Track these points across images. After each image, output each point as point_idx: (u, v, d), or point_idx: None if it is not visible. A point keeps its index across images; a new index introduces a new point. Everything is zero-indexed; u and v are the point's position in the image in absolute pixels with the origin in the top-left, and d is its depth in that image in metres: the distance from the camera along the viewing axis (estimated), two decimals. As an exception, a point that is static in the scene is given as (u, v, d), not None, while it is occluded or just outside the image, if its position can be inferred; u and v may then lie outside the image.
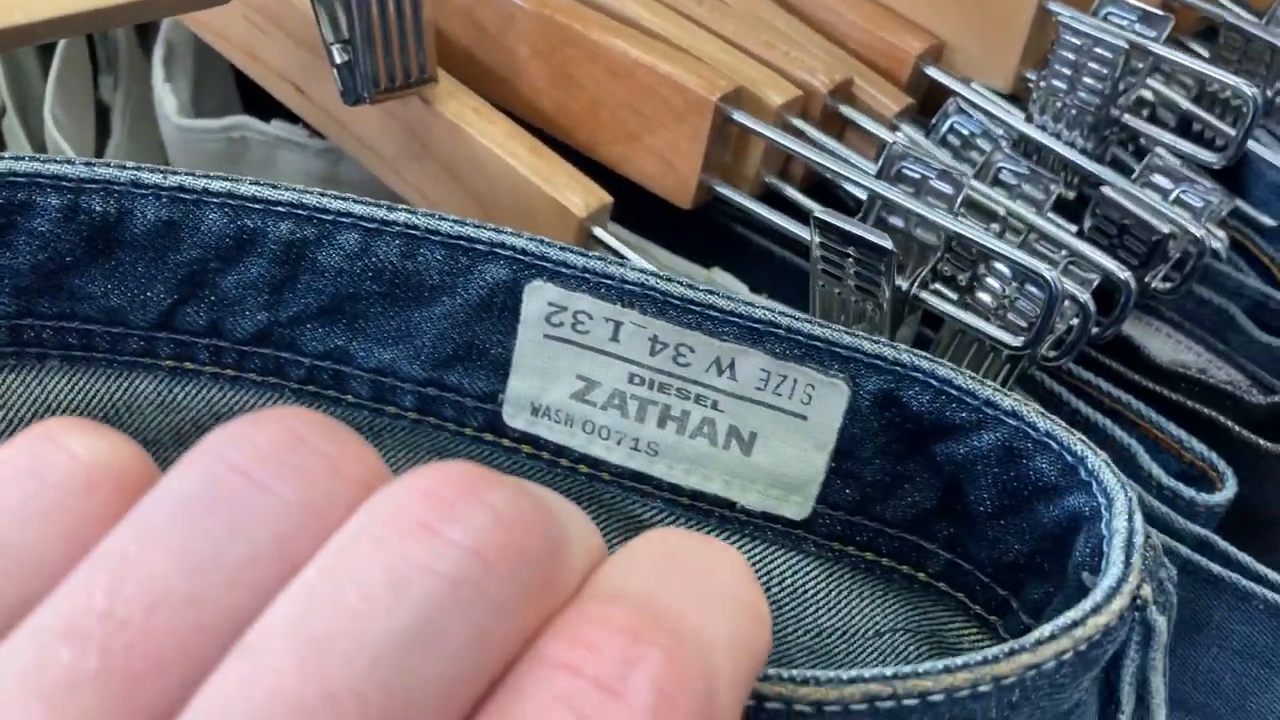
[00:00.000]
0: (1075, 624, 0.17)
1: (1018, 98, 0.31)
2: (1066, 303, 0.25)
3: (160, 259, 0.21)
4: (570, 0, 0.29)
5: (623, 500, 0.23)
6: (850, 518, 0.22)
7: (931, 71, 0.31)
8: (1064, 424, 0.20)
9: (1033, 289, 0.24)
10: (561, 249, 0.20)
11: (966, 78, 0.31)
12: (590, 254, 0.20)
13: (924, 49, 0.31)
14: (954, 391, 0.20)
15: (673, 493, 0.22)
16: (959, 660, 0.16)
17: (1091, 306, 0.25)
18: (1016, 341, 0.24)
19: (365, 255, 0.21)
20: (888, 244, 0.23)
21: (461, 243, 0.20)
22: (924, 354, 0.21)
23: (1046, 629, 0.16)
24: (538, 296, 0.21)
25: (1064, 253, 0.26)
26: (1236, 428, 0.30)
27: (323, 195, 0.20)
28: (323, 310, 0.21)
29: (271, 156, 0.31)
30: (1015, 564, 0.21)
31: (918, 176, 0.26)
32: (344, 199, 0.20)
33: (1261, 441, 0.30)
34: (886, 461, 0.21)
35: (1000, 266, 0.25)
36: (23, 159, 0.20)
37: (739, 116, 0.27)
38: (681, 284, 0.20)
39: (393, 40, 0.25)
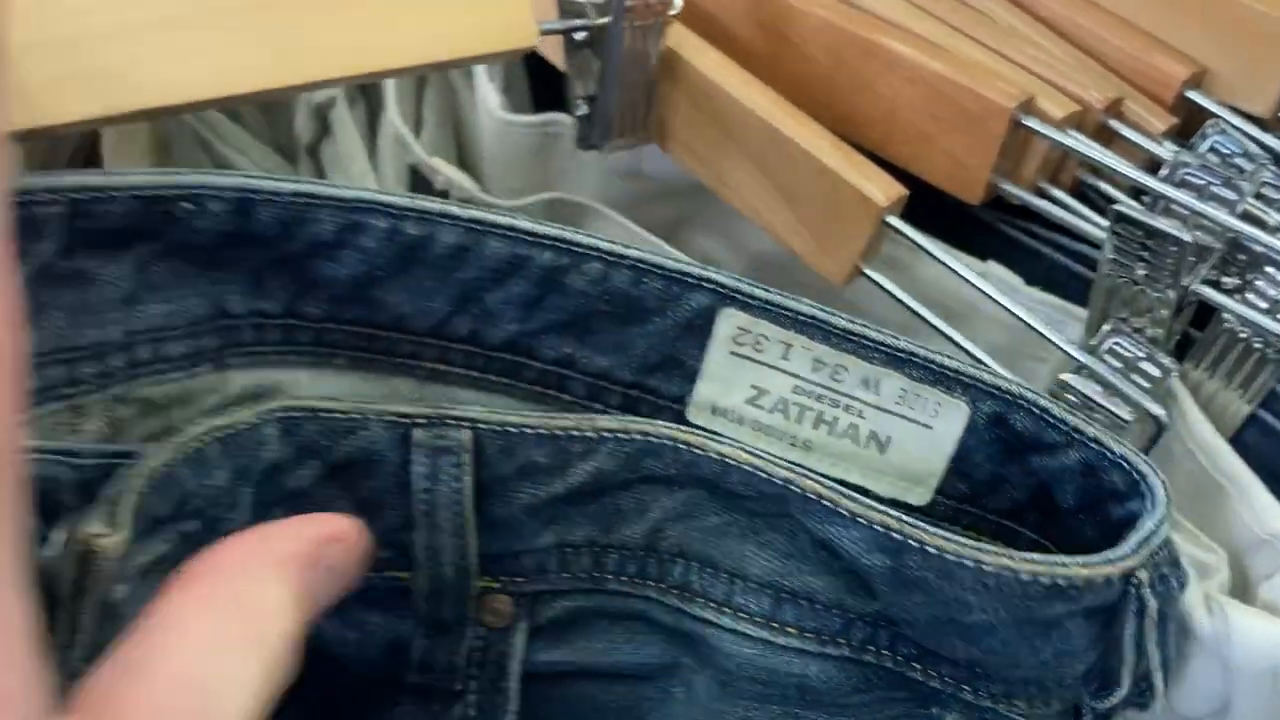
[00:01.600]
0: (1064, 565, 0.23)
1: (1270, 125, 0.33)
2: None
3: (447, 276, 0.27)
4: (868, 17, 0.33)
5: None
6: (960, 505, 0.28)
7: (1194, 95, 0.33)
8: (1133, 448, 0.26)
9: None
10: (751, 284, 0.27)
11: (1226, 102, 0.33)
12: (771, 289, 0.27)
13: (1189, 74, 0.33)
14: (1050, 419, 0.26)
15: None
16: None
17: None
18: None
19: (604, 282, 0.27)
20: (1187, 236, 0.27)
21: (678, 275, 0.27)
22: (1029, 386, 0.26)
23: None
24: (729, 321, 0.27)
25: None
26: None
27: (576, 232, 0.27)
28: (561, 324, 0.28)
29: (579, 151, 0.35)
30: (1085, 547, 0.26)
31: (1200, 183, 0.29)
32: (593, 236, 0.27)
33: None
34: (992, 466, 0.27)
35: (1273, 271, 0.28)
36: (359, 189, 0.26)
37: (1030, 123, 0.31)
38: (842, 317, 0.26)
39: (626, 105, 0.31)
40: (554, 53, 0.34)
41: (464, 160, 0.44)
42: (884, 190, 0.30)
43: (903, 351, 0.26)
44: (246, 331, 0.27)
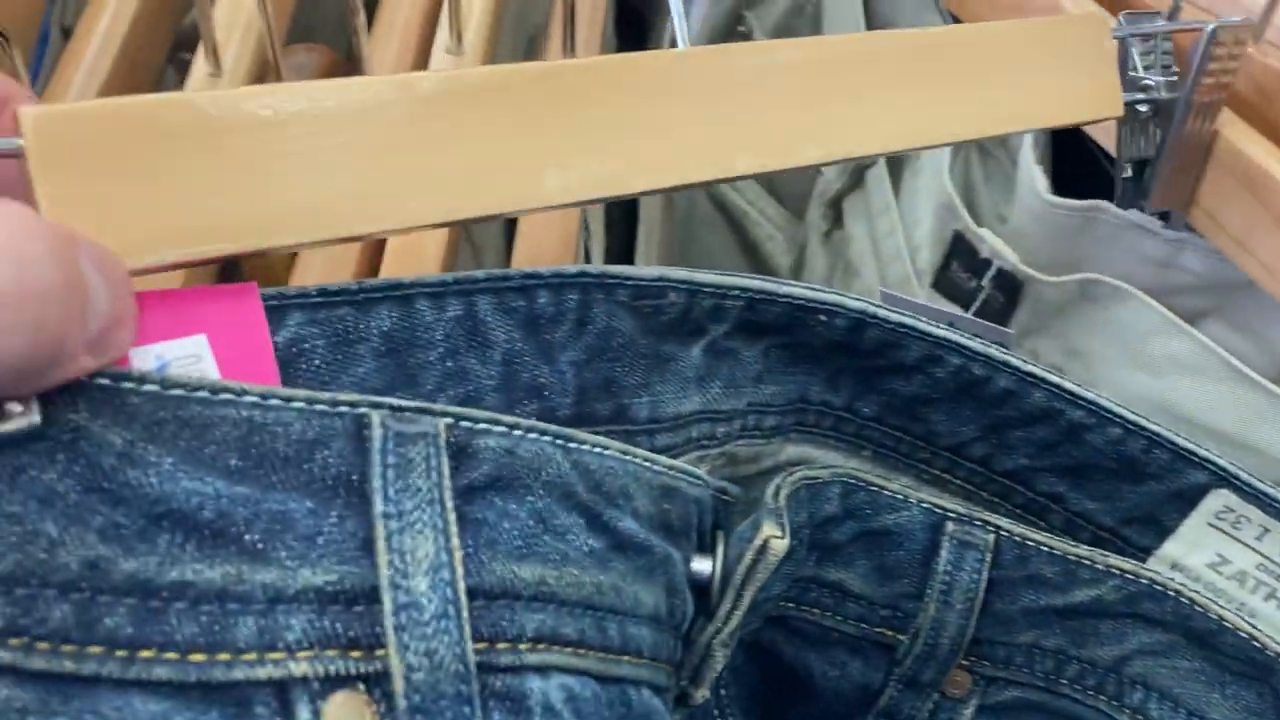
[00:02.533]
0: None
1: None
2: None
3: (986, 410, 0.33)
4: None
5: None
6: None
7: None
8: None
9: None
10: (1248, 473, 0.32)
11: None
12: (1264, 480, 0.32)
13: None
14: None
15: None
16: None
17: None
18: None
19: (1119, 445, 0.33)
20: None
21: (1185, 452, 0.32)
22: None
23: None
24: (1218, 499, 0.33)
25: None
26: None
27: (1108, 399, 0.33)
28: (1065, 467, 0.34)
29: (1117, 236, 0.39)
30: None
31: None
32: (1120, 405, 0.33)
33: None
34: None
35: None
36: (946, 330, 0.33)
37: None
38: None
39: (1174, 176, 0.37)
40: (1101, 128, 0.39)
41: (979, 221, 0.49)
42: None
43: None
44: (811, 415, 0.35)
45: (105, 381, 0.20)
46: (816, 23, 0.61)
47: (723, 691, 0.34)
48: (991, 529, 0.33)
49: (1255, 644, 0.31)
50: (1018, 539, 0.33)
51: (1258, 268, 0.39)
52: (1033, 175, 0.46)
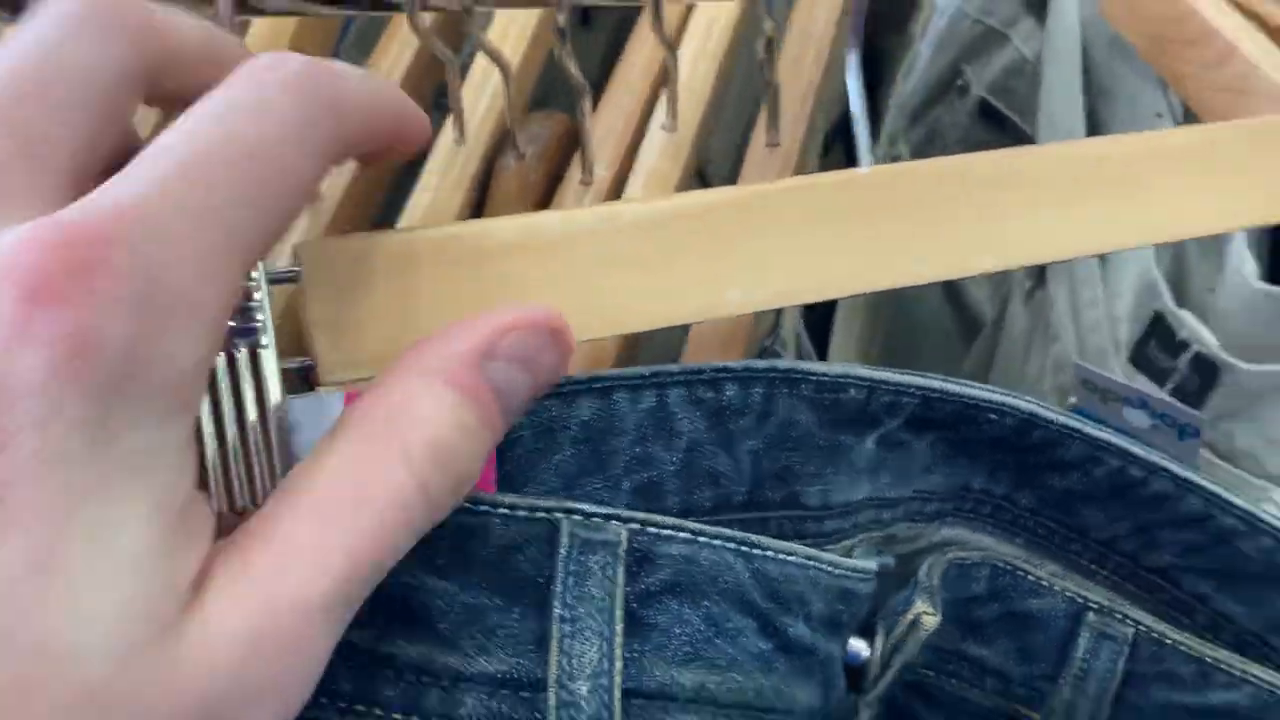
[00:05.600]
0: None
1: None
2: None
3: (1139, 511, 0.34)
4: None
5: None
6: None
7: None
8: None
9: None
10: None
11: None
12: None
13: None
14: None
15: None
16: None
17: None
18: None
19: (1271, 554, 0.34)
20: None
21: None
22: None
23: None
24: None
25: None
26: None
27: (1262, 509, 0.34)
28: (1212, 570, 0.35)
29: None
30: None
31: None
32: (1276, 517, 0.34)
33: None
34: None
35: None
36: (1108, 432, 0.34)
37: None
38: None
39: None
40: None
41: (1187, 295, 0.50)
42: None
43: None
44: (970, 501, 0.37)
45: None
46: (1034, 82, 0.62)
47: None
48: (1131, 623, 0.34)
49: None
50: (1156, 635, 0.34)
51: None
52: (1242, 259, 0.46)
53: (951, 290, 0.69)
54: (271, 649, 0.18)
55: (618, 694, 0.26)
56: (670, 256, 0.29)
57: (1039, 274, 0.60)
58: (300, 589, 0.19)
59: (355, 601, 0.20)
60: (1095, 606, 0.35)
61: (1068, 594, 0.35)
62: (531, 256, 0.28)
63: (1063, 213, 0.33)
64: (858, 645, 0.33)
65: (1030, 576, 0.35)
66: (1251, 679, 0.33)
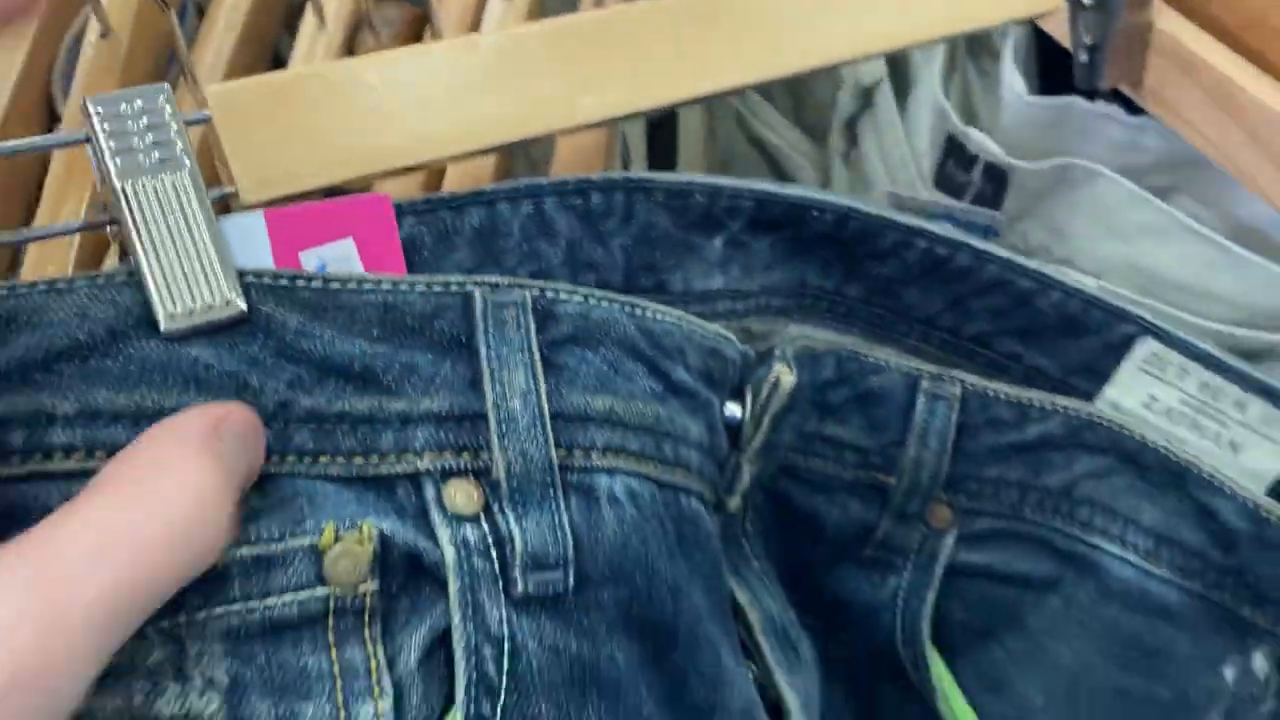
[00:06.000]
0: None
1: None
2: None
3: (950, 285, 0.39)
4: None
5: None
6: None
7: None
8: None
9: None
10: (1167, 324, 0.39)
11: None
12: (1180, 330, 0.39)
13: None
14: None
15: None
16: None
17: None
18: None
19: (1062, 306, 0.39)
20: None
21: (1115, 309, 0.39)
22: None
23: None
24: (1146, 347, 0.39)
25: None
26: None
27: (1050, 267, 0.39)
28: (1018, 329, 0.40)
29: (1087, 126, 0.46)
30: None
31: None
32: (1061, 270, 0.39)
33: None
34: None
35: None
36: (912, 219, 0.39)
37: None
38: (1231, 357, 0.38)
39: (1119, 57, 0.43)
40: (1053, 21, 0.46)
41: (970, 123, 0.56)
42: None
43: (1272, 389, 0.38)
44: (809, 299, 0.42)
45: (285, 281, 0.29)
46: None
47: (748, 525, 0.41)
48: (957, 383, 0.40)
49: (1170, 458, 0.38)
50: (979, 389, 0.40)
51: (1200, 140, 0.45)
52: (1012, 79, 0.52)
53: (779, 172, 0.73)
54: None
55: (546, 408, 0.31)
56: (525, 76, 0.34)
57: (851, 137, 0.65)
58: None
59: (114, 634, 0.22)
60: (927, 374, 0.40)
61: (902, 369, 0.40)
62: (402, 88, 0.33)
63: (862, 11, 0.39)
64: (733, 408, 0.38)
65: (869, 359, 0.40)
66: (1060, 409, 0.39)
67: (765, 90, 0.61)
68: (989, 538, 0.42)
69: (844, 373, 0.40)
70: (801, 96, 0.63)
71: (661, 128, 0.62)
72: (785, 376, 0.37)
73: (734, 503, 0.39)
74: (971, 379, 0.40)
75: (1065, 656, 0.41)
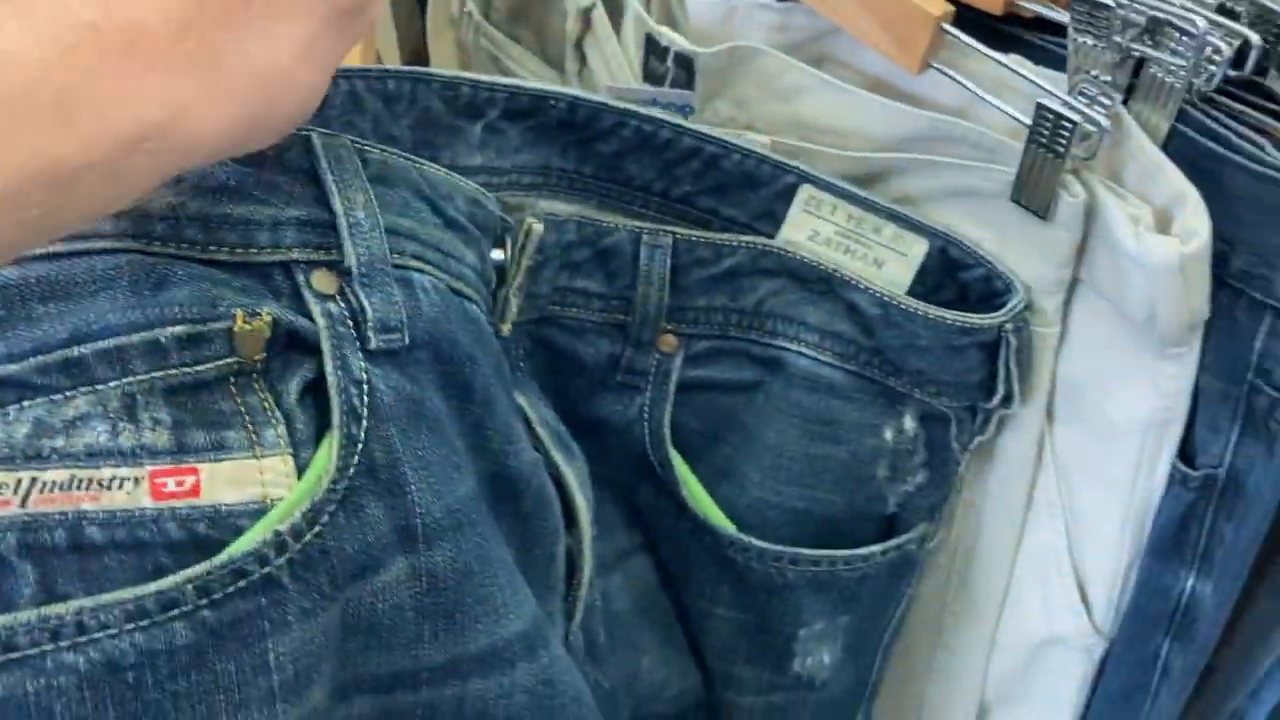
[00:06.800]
0: (969, 317, 0.48)
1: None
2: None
3: (658, 156, 0.50)
4: None
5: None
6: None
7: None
8: (1007, 268, 0.51)
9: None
10: (817, 172, 0.50)
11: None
12: (828, 176, 0.50)
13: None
14: (967, 251, 0.51)
15: None
16: None
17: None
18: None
19: (741, 164, 0.50)
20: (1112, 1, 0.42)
21: (777, 163, 0.50)
22: (957, 235, 0.51)
23: None
24: (805, 192, 0.51)
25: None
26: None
27: (734, 135, 0.50)
28: (712, 188, 0.51)
29: (750, 15, 0.56)
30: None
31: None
32: (741, 137, 0.50)
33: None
34: (936, 277, 0.52)
35: (1172, 31, 0.43)
36: (627, 106, 0.49)
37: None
38: (866, 194, 0.51)
39: None
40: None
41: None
42: (938, 7, 0.49)
43: (897, 214, 0.51)
44: (553, 177, 0.51)
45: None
46: None
47: (523, 364, 0.51)
48: (669, 234, 0.50)
49: (819, 268, 0.50)
50: (685, 237, 0.50)
51: (831, 13, 0.56)
52: None
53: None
54: None
55: (380, 219, 0.40)
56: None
57: (581, 57, 0.73)
58: None
59: None
60: (646, 230, 0.50)
61: (628, 228, 0.50)
62: None
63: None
64: (497, 253, 0.47)
65: (603, 223, 0.50)
66: (743, 245, 0.51)
67: (512, 33, 0.69)
68: (707, 356, 0.53)
69: (584, 235, 0.50)
70: (544, 34, 0.71)
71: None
72: (535, 226, 0.47)
73: (506, 329, 0.48)
74: (681, 230, 0.50)
75: (770, 439, 0.53)
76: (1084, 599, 0.58)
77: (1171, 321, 0.46)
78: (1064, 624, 0.59)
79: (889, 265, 0.52)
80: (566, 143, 0.50)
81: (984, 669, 0.64)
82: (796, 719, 0.59)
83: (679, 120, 0.50)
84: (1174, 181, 0.46)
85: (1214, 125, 0.46)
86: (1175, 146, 0.47)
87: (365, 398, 0.39)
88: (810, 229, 0.52)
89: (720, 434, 0.54)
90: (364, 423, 0.39)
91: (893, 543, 0.54)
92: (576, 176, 0.51)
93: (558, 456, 0.48)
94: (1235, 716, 0.67)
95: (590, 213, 0.51)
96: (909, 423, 0.53)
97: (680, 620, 0.58)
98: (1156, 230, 0.46)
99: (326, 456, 0.38)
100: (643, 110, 0.49)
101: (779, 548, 0.53)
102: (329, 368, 0.38)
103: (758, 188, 0.51)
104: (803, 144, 0.54)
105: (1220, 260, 0.46)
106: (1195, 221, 0.45)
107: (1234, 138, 0.45)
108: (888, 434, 0.53)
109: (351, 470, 0.38)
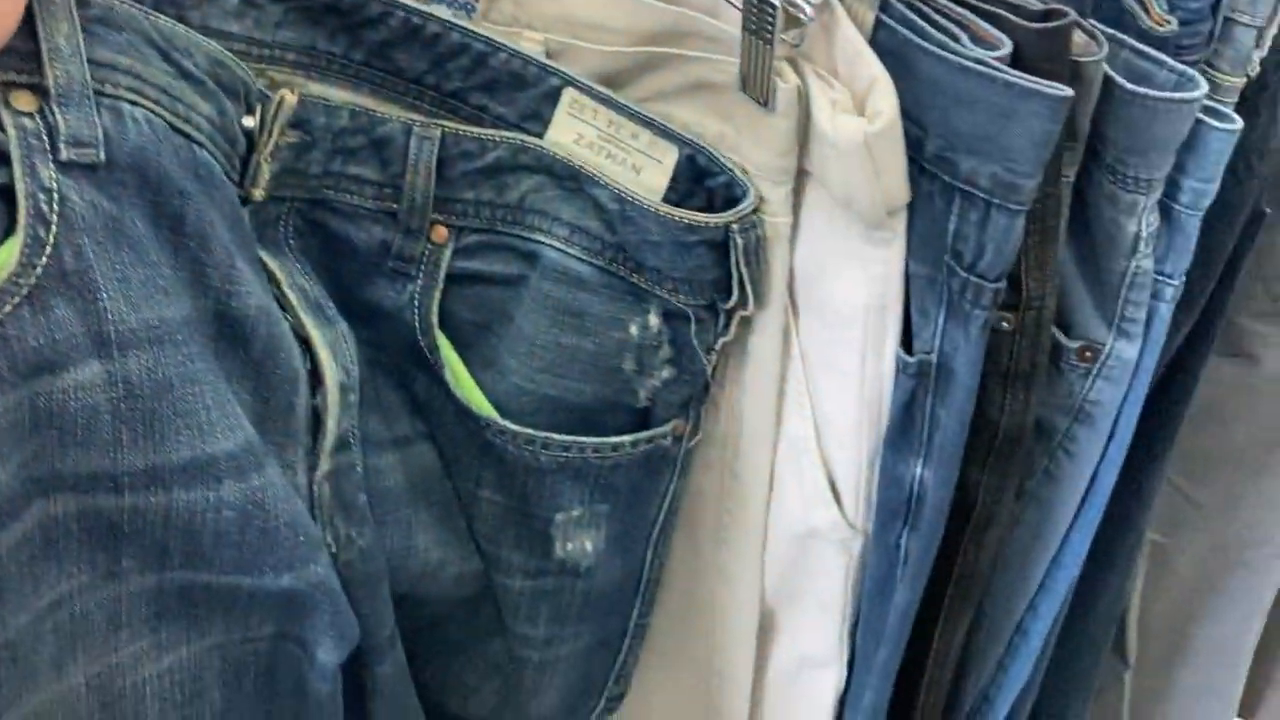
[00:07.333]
0: (699, 217, 0.53)
1: None
2: None
3: (429, 50, 0.53)
4: None
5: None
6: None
7: None
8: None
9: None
10: (581, 78, 0.54)
11: None
12: (594, 87, 0.54)
13: None
14: (714, 159, 0.54)
15: None
16: None
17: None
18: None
19: (508, 64, 0.54)
20: None
21: (543, 65, 0.54)
22: (707, 144, 0.55)
23: None
24: (569, 95, 0.54)
25: None
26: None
27: (500, 39, 0.54)
28: (483, 85, 0.54)
29: None
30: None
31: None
32: (508, 40, 0.53)
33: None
34: (687, 184, 0.55)
35: None
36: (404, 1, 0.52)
37: None
38: (622, 100, 0.54)
39: None
40: None
41: None
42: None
43: (651, 120, 0.54)
44: (322, 59, 0.53)
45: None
46: None
47: (291, 240, 0.54)
48: (438, 127, 0.54)
49: (571, 165, 0.54)
50: (452, 130, 0.54)
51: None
52: None
53: None
54: None
55: (84, 50, 0.43)
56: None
57: None
58: None
59: None
60: (417, 122, 0.53)
61: (400, 120, 0.53)
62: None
63: None
64: (249, 120, 0.50)
65: (377, 113, 0.53)
66: (505, 140, 0.54)
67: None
68: (476, 249, 0.56)
69: (358, 124, 0.53)
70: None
71: None
72: (288, 98, 0.50)
73: (258, 194, 0.51)
74: (449, 124, 0.54)
75: (526, 329, 0.57)
76: (835, 491, 0.62)
77: (865, 202, 0.50)
78: (818, 516, 0.63)
79: (646, 171, 0.56)
80: (334, 27, 0.52)
81: (759, 566, 0.68)
82: (567, 606, 0.63)
83: (448, 16, 0.53)
84: (871, 66, 0.50)
85: (914, 17, 0.50)
86: (880, 37, 0.51)
87: (56, 206, 0.43)
88: (575, 132, 0.55)
89: (490, 325, 0.58)
90: (53, 228, 0.42)
91: (643, 434, 0.58)
92: (348, 62, 0.54)
93: (306, 319, 0.52)
94: (1019, 630, 0.72)
95: (365, 101, 0.54)
96: (653, 319, 0.57)
97: (460, 508, 0.62)
98: (856, 114, 0.50)
99: (9, 253, 0.42)
100: (412, 3, 0.52)
101: (531, 431, 0.57)
102: (17, 173, 0.42)
103: (524, 88, 0.54)
104: (572, 40, 0.57)
105: (916, 145, 0.50)
106: (883, 102, 0.49)
107: (930, 29, 0.49)
108: (633, 329, 0.57)
109: (39, 270, 0.42)
